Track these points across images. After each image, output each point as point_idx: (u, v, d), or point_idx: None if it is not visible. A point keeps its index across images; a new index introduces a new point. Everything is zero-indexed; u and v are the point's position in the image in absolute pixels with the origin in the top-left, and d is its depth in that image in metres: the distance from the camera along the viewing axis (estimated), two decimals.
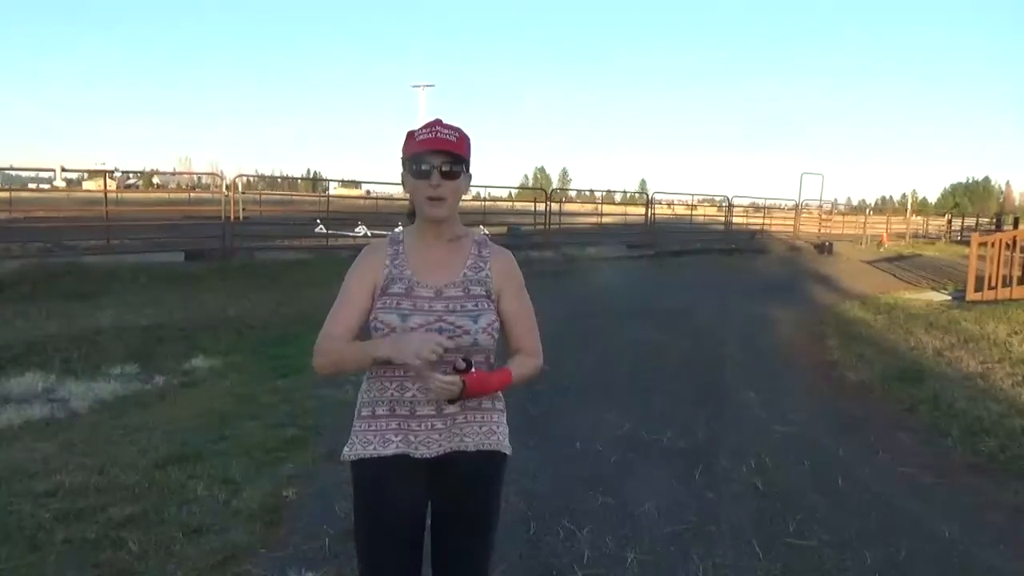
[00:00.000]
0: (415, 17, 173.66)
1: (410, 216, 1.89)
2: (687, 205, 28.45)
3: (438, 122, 1.78)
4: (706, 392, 5.84)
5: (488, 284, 1.83)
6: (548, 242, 17.36)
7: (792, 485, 3.91)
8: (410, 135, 1.79)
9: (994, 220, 38.69)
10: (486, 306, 1.80)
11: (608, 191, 40.66)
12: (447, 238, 1.84)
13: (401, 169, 1.82)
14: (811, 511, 3.55)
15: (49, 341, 6.95)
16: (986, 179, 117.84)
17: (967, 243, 15.80)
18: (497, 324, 1.82)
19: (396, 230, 1.92)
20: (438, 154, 1.73)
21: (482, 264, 1.85)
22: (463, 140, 1.78)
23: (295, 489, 3.57)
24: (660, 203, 25.45)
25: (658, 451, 4.38)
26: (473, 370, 1.71)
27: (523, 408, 4.82)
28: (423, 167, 1.74)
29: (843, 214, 37.42)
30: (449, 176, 1.75)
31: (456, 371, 1.70)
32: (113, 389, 5.69)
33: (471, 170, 1.83)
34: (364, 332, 1.80)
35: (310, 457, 4.04)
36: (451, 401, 1.73)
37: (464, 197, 1.91)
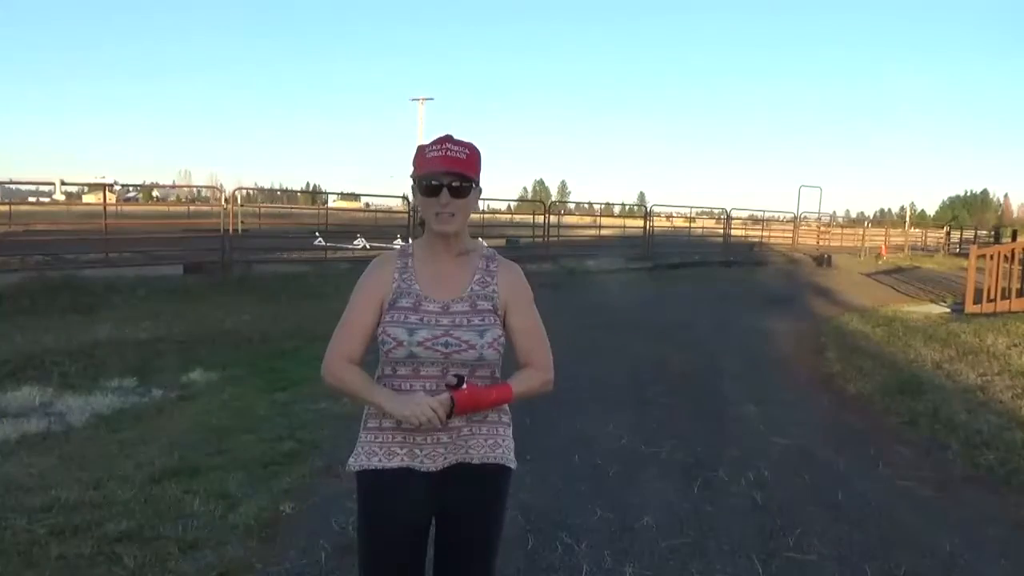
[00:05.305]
0: (415, 31, 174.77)
1: (420, 226, 1.89)
2: (686, 218, 28.55)
3: (448, 138, 1.77)
4: (705, 405, 5.83)
5: (495, 299, 1.83)
6: (547, 254, 17.40)
7: (791, 498, 3.89)
8: (420, 150, 1.78)
9: (992, 233, 38.79)
10: (492, 321, 1.80)
11: (607, 204, 40.64)
12: (456, 252, 1.84)
13: (411, 183, 1.81)
14: (811, 525, 3.53)
15: (47, 355, 6.94)
16: (984, 192, 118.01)
17: (966, 255, 15.83)
18: (503, 339, 1.82)
19: (401, 243, 1.93)
20: (447, 173, 1.73)
21: (489, 279, 1.85)
22: (473, 157, 1.77)
23: (292, 503, 3.55)
24: (659, 216, 25.56)
25: (657, 464, 4.36)
26: (464, 386, 1.70)
27: (521, 421, 4.76)
28: (432, 184, 1.74)
29: (842, 226, 37.53)
30: (458, 194, 1.75)
31: (447, 387, 1.70)
32: (110, 403, 5.67)
33: (481, 184, 1.82)
34: (372, 345, 1.82)
35: (307, 471, 4.02)
36: (446, 417, 1.72)
37: None
